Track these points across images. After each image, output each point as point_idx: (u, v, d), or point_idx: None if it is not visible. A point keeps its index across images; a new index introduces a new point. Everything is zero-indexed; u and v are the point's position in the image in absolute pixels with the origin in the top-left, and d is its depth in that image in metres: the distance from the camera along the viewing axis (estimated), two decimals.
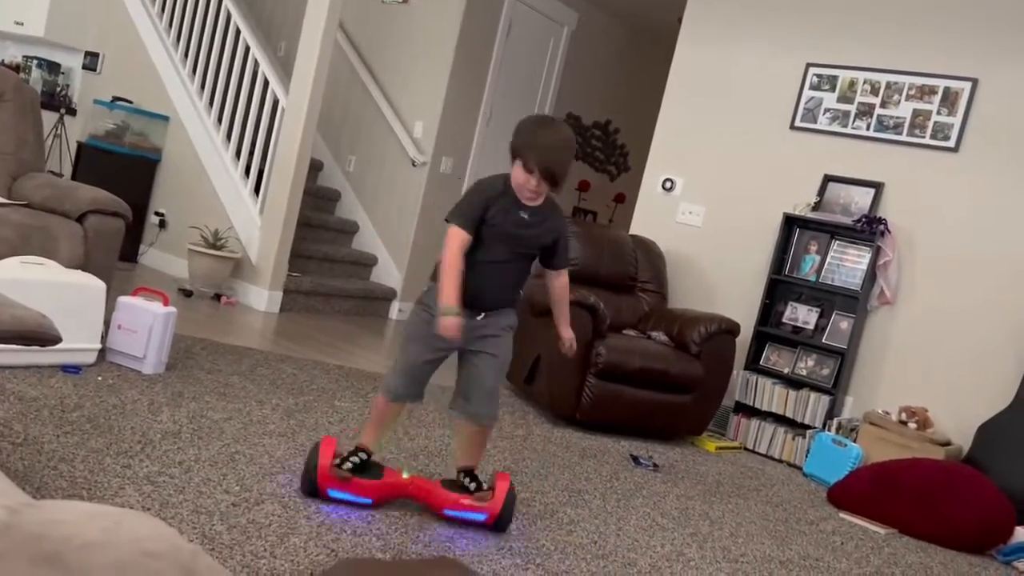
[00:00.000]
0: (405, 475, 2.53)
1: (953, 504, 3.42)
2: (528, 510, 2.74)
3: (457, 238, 2.41)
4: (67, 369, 3.02)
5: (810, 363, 4.41)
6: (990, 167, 4.17)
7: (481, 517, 2.47)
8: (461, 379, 2.55)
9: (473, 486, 2.51)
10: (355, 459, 2.48)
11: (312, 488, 2.41)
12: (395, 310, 6.03)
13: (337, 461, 2.45)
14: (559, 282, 2.64)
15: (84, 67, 6.40)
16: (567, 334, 2.65)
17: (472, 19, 5.92)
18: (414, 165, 5.94)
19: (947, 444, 3.92)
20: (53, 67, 6.44)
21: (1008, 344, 4.03)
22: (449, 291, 2.33)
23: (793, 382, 4.41)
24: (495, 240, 2.45)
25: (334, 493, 2.42)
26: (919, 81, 4.34)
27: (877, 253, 4.29)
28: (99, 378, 3.03)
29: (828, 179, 4.55)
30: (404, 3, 6.18)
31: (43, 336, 1.92)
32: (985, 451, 3.82)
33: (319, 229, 5.98)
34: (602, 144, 7.40)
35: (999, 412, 3.89)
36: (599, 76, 7.26)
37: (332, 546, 2.15)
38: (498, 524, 2.48)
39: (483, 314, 2.48)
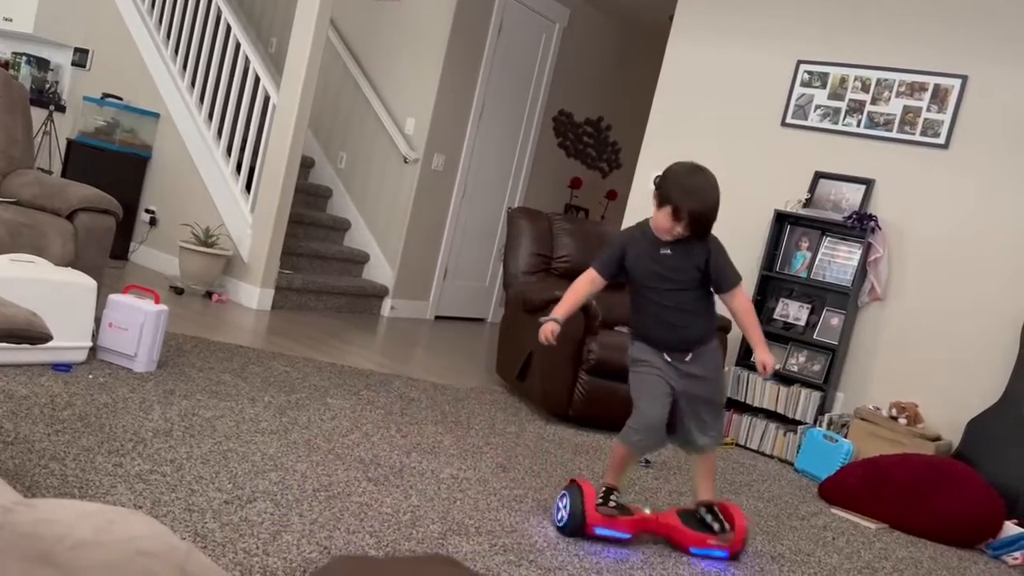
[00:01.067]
0: (647, 511, 2.66)
1: (943, 499, 3.44)
2: (521, 506, 2.75)
3: (589, 275, 2.64)
4: (58, 367, 3.00)
5: (801, 359, 4.43)
6: (979, 164, 4.19)
7: (723, 554, 2.62)
8: (678, 419, 2.63)
9: (716, 526, 2.61)
10: (613, 499, 2.61)
11: (579, 529, 2.55)
12: (387, 307, 6.02)
13: (599, 500, 2.58)
14: (734, 304, 2.59)
15: (73, 64, 6.36)
16: (762, 357, 2.57)
17: (464, 16, 5.91)
18: (406, 162, 5.93)
19: (937, 439, 3.94)
20: (42, 64, 6.40)
21: (997, 339, 4.06)
22: (561, 307, 2.59)
23: (784, 378, 4.43)
24: (644, 282, 2.58)
25: (600, 531, 2.56)
26: (909, 78, 4.35)
27: (867, 249, 4.30)
28: (90, 376, 3.02)
29: (819, 176, 4.56)
30: (396, 0, 6.16)
31: (33, 334, 1.91)
32: (974, 446, 3.85)
33: (311, 226, 5.97)
34: (594, 141, 7.41)
35: (988, 407, 3.91)
36: (591, 73, 7.26)
37: (325, 544, 2.15)
38: (736, 556, 2.66)
39: (689, 355, 2.59)
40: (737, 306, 2.57)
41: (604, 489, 2.64)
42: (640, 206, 5.14)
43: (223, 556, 1.95)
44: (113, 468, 2.28)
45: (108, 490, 2.15)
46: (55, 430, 2.45)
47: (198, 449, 2.57)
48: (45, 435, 2.40)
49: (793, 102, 4.69)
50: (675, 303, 2.56)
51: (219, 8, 5.57)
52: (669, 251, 2.52)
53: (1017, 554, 3.33)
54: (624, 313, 4.54)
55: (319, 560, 2.05)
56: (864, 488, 3.59)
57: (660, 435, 2.60)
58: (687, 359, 2.59)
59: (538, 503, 2.82)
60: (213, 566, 0.76)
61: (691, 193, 2.43)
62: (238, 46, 5.47)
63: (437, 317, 6.44)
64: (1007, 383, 3.91)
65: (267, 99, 5.32)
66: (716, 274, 2.54)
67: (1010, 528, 3.44)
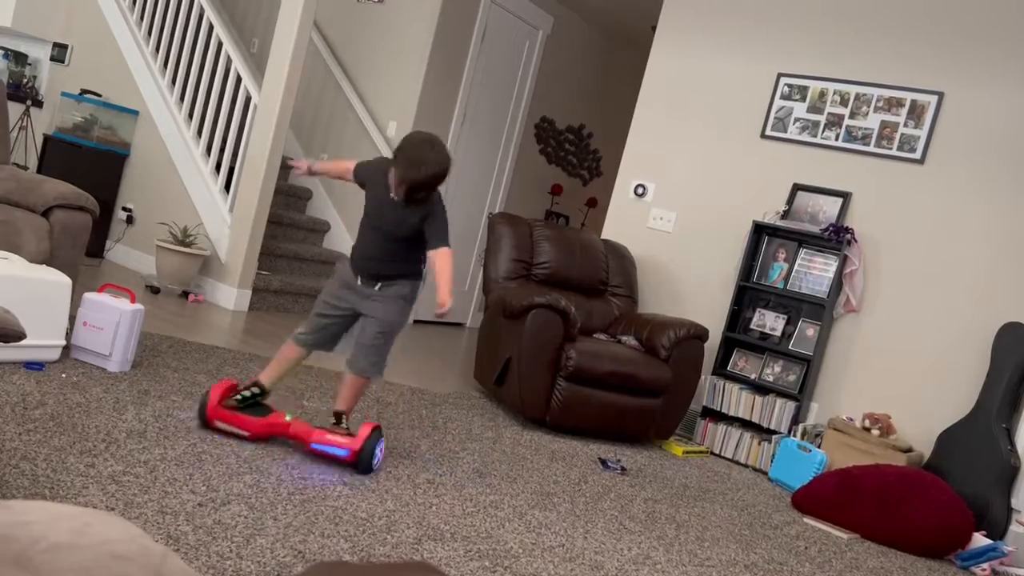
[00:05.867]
0: (288, 417, 2.84)
1: (914, 510, 3.48)
2: (497, 512, 2.75)
3: (350, 163, 3.04)
4: (30, 366, 2.97)
5: (777, 369, 4.47)
6: (954, 179, 4.25)
7: (343, 453, 2.76)
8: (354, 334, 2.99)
9: (338, 427, 2.87)
10: (246, 392, 2.85)
11: (203, 420, 2.80)
12: None
13: (233, 395, 2.83)
14: (434, 259, 2.79)
15: (52, 58, 6.29)
16: (440, 298, 2.73)
17: (447, 21, 5.91)
18: None
19: (909, 451, 3.99)
20: (20, 58, 6.33)
21: (969, 353, 4.11)
22: (327, 164, 3.21)
23: (760, 388, 4.46)
24: (370, 210, 2.90)
25: (220, 424, 2.78)
26: (887, 93, 4.41)
27: (844, 261, 4.35)
28: (63, 375, 2.99)
29: (797, 188, 4.61)
30: (379, 3, 6.16)
31: (7, 332, 1.89)
32: (945, 458, 3.90)
33: (289, 228, 5.94)
34: (575, 148, 7.44)
35: (959, 420, 3.96)
36: (573, 81, 7.29)
37: (299, 548, 2.13)
38: (359, 463, 2.75)
39: (379, 284, 2.88)
40: (437, 261, 2.78)
41: (248, 384, 2.91)
42: (620, 214, 5.16)
43: (196, 559, 1.94)
44: (85, 469, 2.26)
45: (80, 491, 2.12)
46: (26, 429, 2.42)
47: (172, 451, 2.55)
48: (16, 434, 2.37)
49: (773, 114, 4.73)
50: (388, 238, 2.85)
51: (201, 6, 5.53)
52: (396, 198, 2.78)
53: (985, 565, 3.38)
54: (603, 321, 4.59)
55: (293, 564, 2.04)
56: (836, 498, 3.63)
57: (319, 338, 3.00)
58: (376, 288, 2.88)
59: (513, 509, 2.82)
60: (188, 570, 0.75)
61: (405, 159, 2.68)
62: (220, 45, 5.43)
63: (416, 321, 6.43)
64: (978, 396, 3.97)
65: (248, 99, 5.28)
66: (428, 232, 2.79)
67: (979, 539, 3.49)
